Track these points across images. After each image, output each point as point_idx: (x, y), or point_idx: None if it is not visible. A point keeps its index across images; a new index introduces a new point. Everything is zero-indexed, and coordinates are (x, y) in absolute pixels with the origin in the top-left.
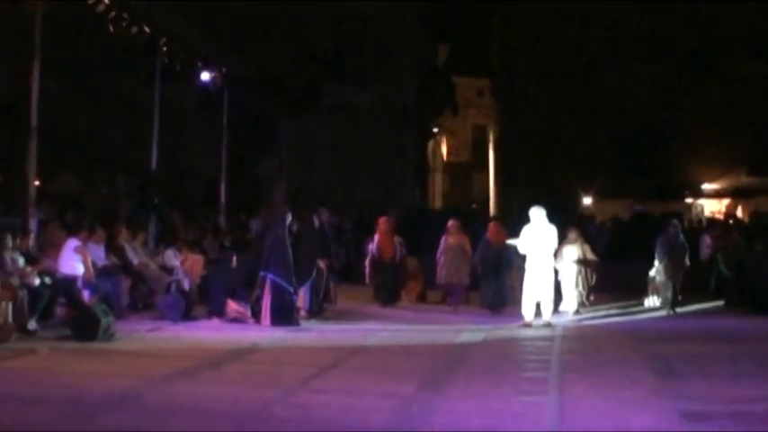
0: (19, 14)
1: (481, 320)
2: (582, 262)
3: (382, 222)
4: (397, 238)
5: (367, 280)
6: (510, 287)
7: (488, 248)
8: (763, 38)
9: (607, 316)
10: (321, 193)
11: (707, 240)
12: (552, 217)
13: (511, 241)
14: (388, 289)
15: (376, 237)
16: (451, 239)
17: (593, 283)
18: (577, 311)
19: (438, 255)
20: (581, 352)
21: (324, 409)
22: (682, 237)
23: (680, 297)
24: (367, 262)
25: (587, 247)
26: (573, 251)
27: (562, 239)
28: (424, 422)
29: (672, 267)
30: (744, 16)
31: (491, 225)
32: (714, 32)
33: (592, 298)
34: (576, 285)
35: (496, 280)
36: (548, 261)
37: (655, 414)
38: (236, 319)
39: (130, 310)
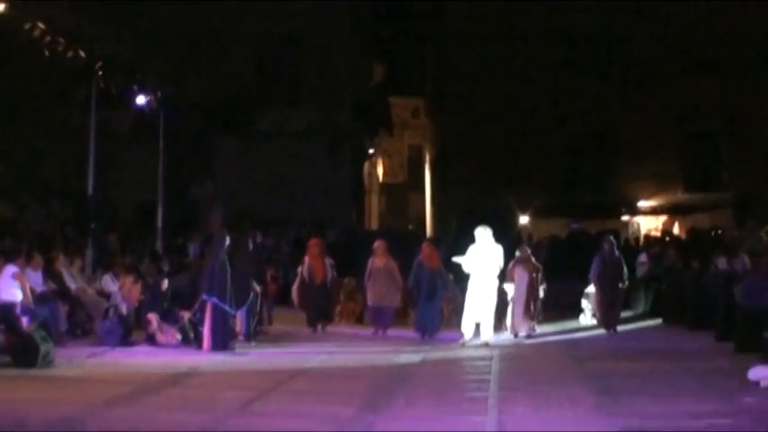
0: None
1: (417, 342)
2: (532, 282)
3: (312, 245)
4: (328, 260)
5: (296, 303)
6: (444, 310)
7: (422, 271)
8: (700, 52)
9: (544, 334)
10: (257, 215)
11: (642, 258)
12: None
13: (456, 259)
14: (319, 312)
15: (306, 259)
16: (378, 261)
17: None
18: (529, 336)
19: (365, 277)
20: (520, 371)
21: None
22: (617, 253)
23: (619, 315)
24: (295, 286)
25: (539, 267)
26: (524, 271)
27: (510, 259)
28: None
29: (607, 285)
30: (682, 31)
31: (424, 246)
32: (652, 47)
33: (540, 318)
34: (528, 308)
35: (429, 304)
36: (491, 281)
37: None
38: (157, 340)
39: (69, 336)
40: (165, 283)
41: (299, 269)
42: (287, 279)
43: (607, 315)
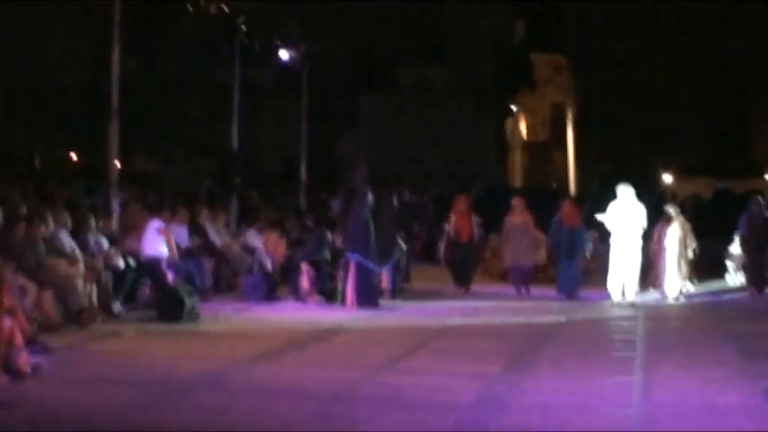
0: None
1: (561, 301)
2: (684, 241)
3: (459, 202)
4: (474, 218)
5: (442, 261)
6: (586, 269)
7: (561, 229)
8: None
9: (689, 295)
10: (402, 171)
11: None
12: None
13: (599, 217)
14: (465, 271)
15: (452, 217)
16: (515, 219)
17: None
18: (678, 298)
19: (502, 236)
20: (665, 332)
21: (411, 390)
22: (766, 213)
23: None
24: (442, 243)
25: (689, 226)
26: (675, 230)
27: (658, 218)
28: (511, 401)
29: (754, 246)
30: None
31: (564, 204)
32: None
33: (695, 280)
34: (680, 268)
35: (569, 263)
36: (635, 239)
37: (740, 393)
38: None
39: (214, 291)
40: (328, 235)
41: (446, 226)
42: (431, 236)
43: (755, 276)
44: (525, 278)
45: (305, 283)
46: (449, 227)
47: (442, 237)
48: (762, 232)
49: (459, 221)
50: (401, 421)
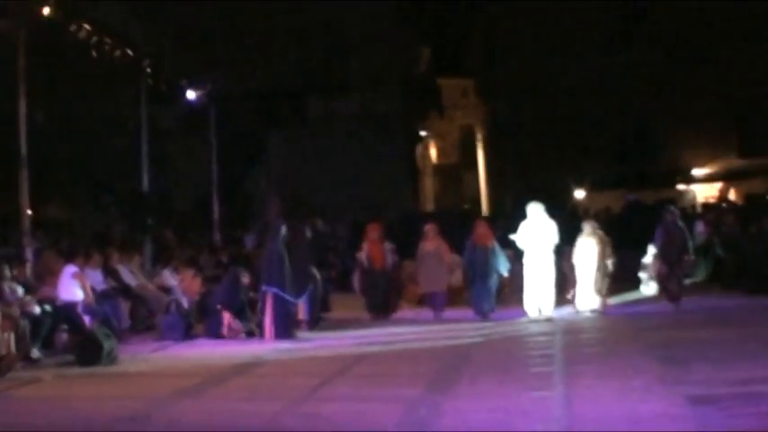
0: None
1: (478, 321)
2: (602, 256)
3: (371, 230)
4: (387, 245)
5: (357, 291)
6: (505, 288)
7: (474, 250)
8: (747, 22)
9: (607, 309)
10: (313, 202)
11: (700, 226)
12: (546, 212)
13: (512, 237)
14: (380, 300)
15: (365, 245)
16: (428, 245)
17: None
18: (594, 311)
19: (416, 262)
20: (583, 344)
21: (333, 417)
22: (681, 223)
23: (685, 282)
24: (356, 272)
25: (608, 240)
26: (591, 246)
27: (567, 234)
28: (433, 423)
29: (671, 257)
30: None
31: (476, 225)
32: (698, 18)
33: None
34: (596, 283)
35: (484, 284)
36: (547, 256)
37: (662, 400)
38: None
39: (131, 332)
40: (246, 278)
41: (359, 255)
42: (345, 265)
43: (671, 288)
44: (441, 303)
45: (224, 329)
46: (362, 255)
47: (355, 265)
48: (679, 242)
49: (373, 249)
50: None
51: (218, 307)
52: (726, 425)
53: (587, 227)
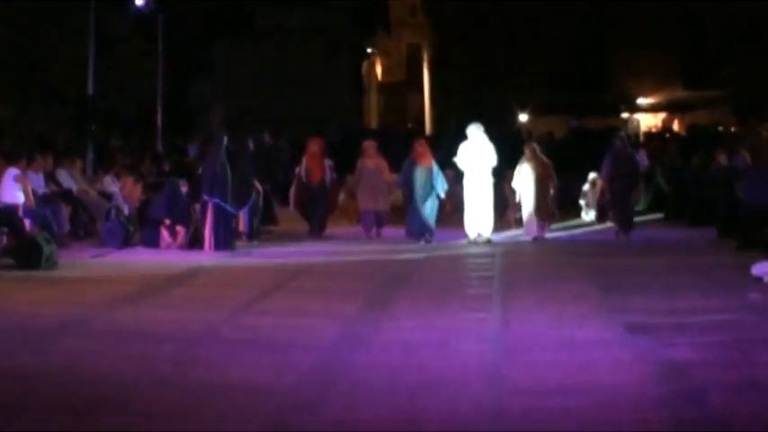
0: None
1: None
2: (543, 180)
3: (311, 143)
4: (327, 161)
5: (291, 206)
6: (447, 207)
7: (413, 170)
8: None
9: (545, 230)
10: (259, 115)
11: (642, 156)
12: (489, 135)
13: (454, 159)
14: (317, 217)
15: (304, 159)
16: (368, 162)
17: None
18: (536, 239)
19: (355, 180)
20: (523, 268)
21: (271, 330)
22: (630, 150)
23: (633, 215)
24: (292, 187)
25: (551, 164)
26: (530, 169)
27: (509, 157)
28: (370, 339)
29: (620, 184)
30: None
31: (415, 145)
32: None
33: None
34: (538, 207)
35: (423, 205)
36: (486, 178)
37: (598, 327)
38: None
39: (72, 237)
40: (185, 186)
41: (297, 170)
42: (287, 178)
43: (620, 216)
44: (381, 222)
45: (163, 241)
46: (300, 169)
47: (293, 179)
48: (628, 170)
49: (311, 163)
50: (259, 361)
51: (159, 218)
52: (662, 354)
53: (528, 150)
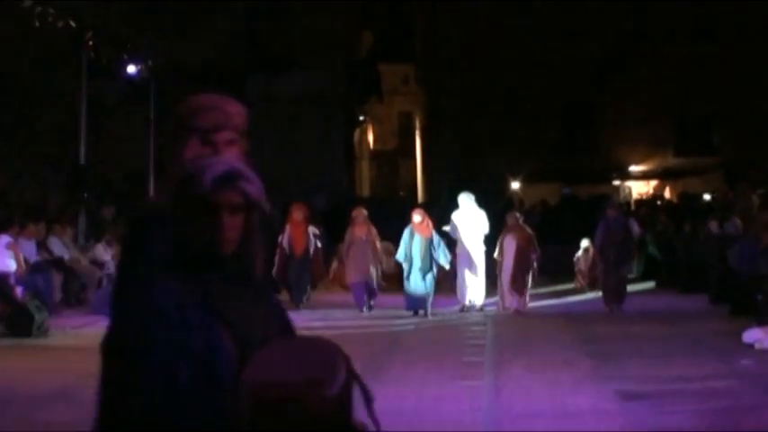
0: None
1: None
2: (521, 252)
3: (294, 210)
4: (312, 229)
5: (275, 277)
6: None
7: (411, 242)
8: (685, 21)
9: (539, 297)
10: None
11: (634, 223)
12: (481, 203)
13: (444, 229)
14: (300, 289)
15: (287, 227)
16: (357, 231)
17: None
18: (518, 312)
19: (344, 249)
20: (515, 336)
21: None
22: (624, 218)
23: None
24: (276, 257)
25: (530, 234)
26: (512, 240)
27: (499, 225)
28: (361, 407)
29: (612, 254)
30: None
31: (413, 214)
32: (638, 16)
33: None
34: (516, 278)
35: (424, 278)
36: (478, 246)
37: (591, 394)
38: None
39: (63, 305)
40: None
41: (280, 238)
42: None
43: (612, 285)
44: (372, 294)
45: None
46: (283, 238)
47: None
48: (620, 238)
49: (294, 232)
50: None
51: None
52: (654, 422)
53: (510, 219)
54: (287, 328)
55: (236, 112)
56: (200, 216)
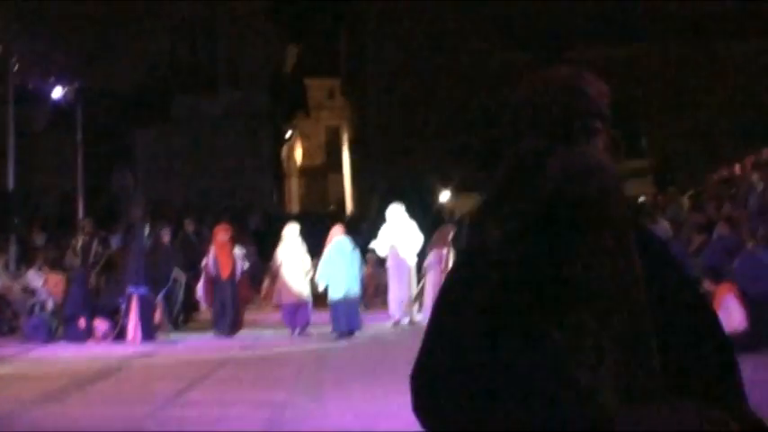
0: None
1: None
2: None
3: (218, 232)
4: (237, 250)
5: (203, 303)
6: (369, 288)
7: (332, 257)
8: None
9: None
10: (181, 203)
11: None
12: (412, 215)
13: (373, 245)
14: (229, 314)
15: (211, 249)
16: (288, 249)
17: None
18: (396, 323)
19: (275, 268)
20: None
21: (198, 421)
22: None
23: None
24: (200, 283)
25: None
26: (436, 254)
27: (429, 235)
28: (299, 426)
29: None
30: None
31: (333, 230)
32: (560, 21)
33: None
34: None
35: (345, 296)
36: (409, 258)
37: None
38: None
39: None
40: (92, 277)
41: (204, 261)
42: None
43: None
44: (304, 314)
45: (84, 332)
46: (207, 261)
47: (200, 273)
48: None
49: (220, 254)
50: None
51: (76, 313)
52: None
53: (440, 232)
54: None
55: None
56: None
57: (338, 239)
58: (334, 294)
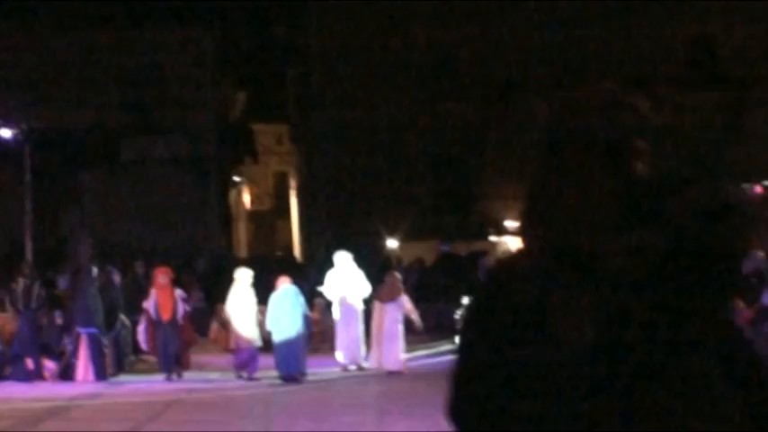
0: None
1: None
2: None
3: (159, 275)
4: (178, 293)
5: (144, 347)
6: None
7: (280, 303)
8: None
9: (419, 357)
10: (128, 245)
11: None
12: (359, 262)
13: (321, 290)
14: (171, 357)
15: (152, 292)
16: (241, 294)
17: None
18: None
19: (225, 313)
20: (397, 393)
21: None
22: None
23: None
24: (141, 326)
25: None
26: (388, 299)
27: (376, 283)
28: None
29: None
30: (538, 51)
31: (281, 279)
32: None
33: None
34: (393, 337)
35: (289, 342)
36: (356, 305)
37: None
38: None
39: None
40: (43, 319)
41: (145, 305)
42: None
43: None
44: (254, 359)
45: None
46: (148, 304)
47: (141, 317)
48: None
49: (161, 297)
50: None
51: (23, 353)
52: None
53: (387, 278)
54: None
55: None
56: None
57: (284, 287)
58: (278, 338)
